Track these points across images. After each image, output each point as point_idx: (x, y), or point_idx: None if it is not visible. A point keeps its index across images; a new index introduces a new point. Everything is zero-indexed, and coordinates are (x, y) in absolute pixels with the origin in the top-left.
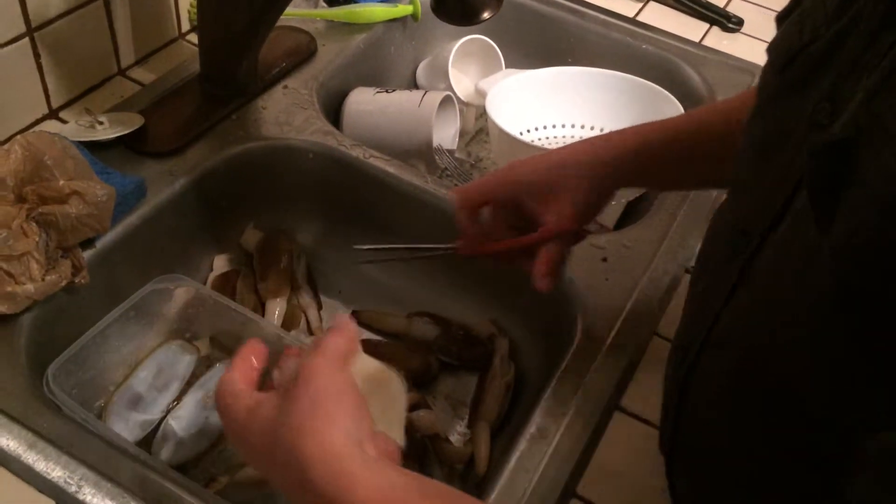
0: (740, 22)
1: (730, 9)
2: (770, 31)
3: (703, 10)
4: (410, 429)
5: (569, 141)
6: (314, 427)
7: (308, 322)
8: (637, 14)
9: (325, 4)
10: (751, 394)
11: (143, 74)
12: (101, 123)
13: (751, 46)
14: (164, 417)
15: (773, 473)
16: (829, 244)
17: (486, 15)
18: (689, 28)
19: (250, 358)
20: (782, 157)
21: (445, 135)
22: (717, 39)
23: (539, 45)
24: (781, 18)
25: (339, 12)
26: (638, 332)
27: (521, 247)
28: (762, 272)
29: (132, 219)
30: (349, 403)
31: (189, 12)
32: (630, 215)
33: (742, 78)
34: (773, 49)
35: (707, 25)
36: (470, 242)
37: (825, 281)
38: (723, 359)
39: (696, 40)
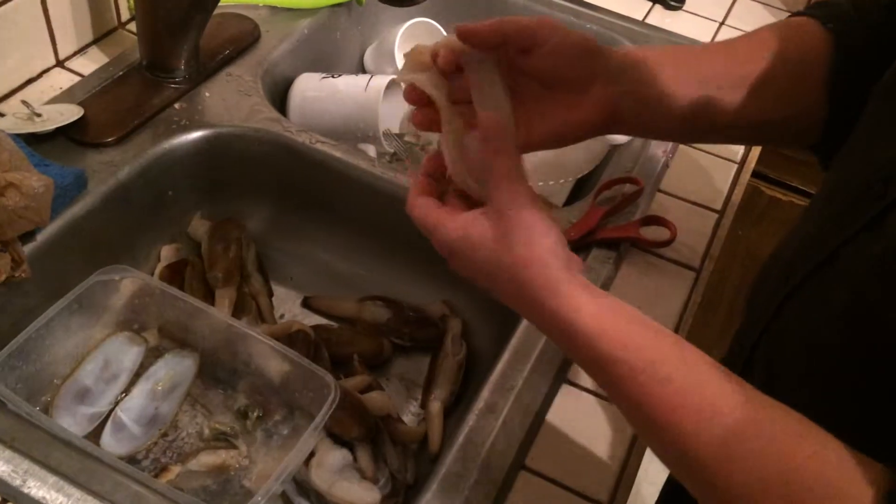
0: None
1: None
2: (710, 9)
3: None
4: (364, 411)
5: None
6: (534, 258)
7: (259, 310)
8: None
9: None
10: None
11: (83, 65)
12: (38, 116)
13: (692, 24)
14: (112, 409)
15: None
16: None
17: None
18: (632, 6)
19: (425, 178)
20: None
21: (394, 119)
22: (661, 17)
23: None
24: None
25: None
26: None
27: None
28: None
29: (74, 210)
30: (553, 233)
31: (128, 0)
32: (576, 195)
33: None
34: None
35: (650, 4)
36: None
37: None
38: (826, 298)
39: (640, 18)
